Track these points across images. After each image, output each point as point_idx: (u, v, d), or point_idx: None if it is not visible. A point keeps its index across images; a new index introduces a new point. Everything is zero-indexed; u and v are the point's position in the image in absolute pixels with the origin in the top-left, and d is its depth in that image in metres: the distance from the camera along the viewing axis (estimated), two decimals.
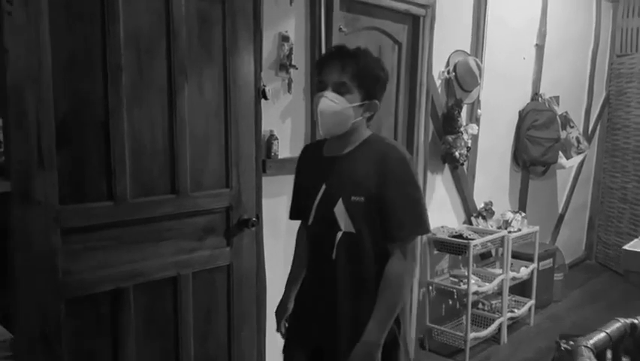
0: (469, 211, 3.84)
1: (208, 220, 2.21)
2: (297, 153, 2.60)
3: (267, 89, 2.37)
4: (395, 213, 1.58)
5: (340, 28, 2.68)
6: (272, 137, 2.45)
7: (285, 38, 2.47)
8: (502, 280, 3.57)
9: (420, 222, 1.61)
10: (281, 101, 2.50)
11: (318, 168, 1.70)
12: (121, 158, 1.90)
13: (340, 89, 1.57)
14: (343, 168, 1.62)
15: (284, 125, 2.54)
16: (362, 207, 1.57)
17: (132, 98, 1.92)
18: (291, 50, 2.48)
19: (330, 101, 1.57)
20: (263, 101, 2.35)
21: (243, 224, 2.29)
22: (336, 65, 1.57)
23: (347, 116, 1.58)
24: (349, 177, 1.60)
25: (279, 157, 2.49)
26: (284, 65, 2.47)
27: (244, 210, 2.30)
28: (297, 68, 2.51)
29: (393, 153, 1.60)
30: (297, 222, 1.88)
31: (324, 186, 1.64)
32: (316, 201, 1.65)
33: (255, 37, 2.28)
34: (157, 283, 2.06)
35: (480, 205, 3.88)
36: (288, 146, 2.56)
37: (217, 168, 2.22)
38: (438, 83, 3.43)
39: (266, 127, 2.41)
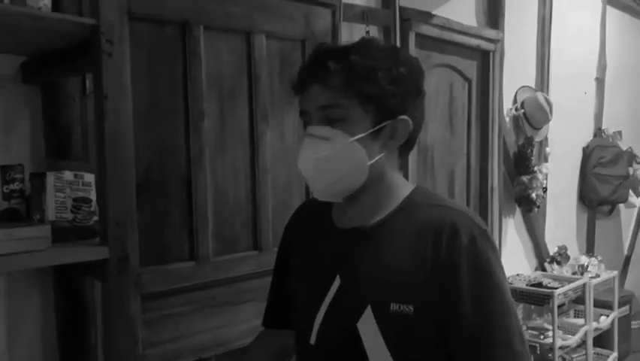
0: (542, 257, 3.58)
1: None
2: None
3: None
4: (474, 350, 0.86)
5: None
6: None
7: None
8: (586, 331, 3.27)
9: None
10: None
11: (326, 248, 0.98)
12: (203, 212, 1.72)
13: (330, 116, 0.88)
14: (372, 251, 0.91)
15: None
16: (410, 322, 0.86)
17: (214, 146, 1.75)
18: None
19: (316, 142, 0.89)
20: None
21: None
22: (314, 77, 0.89)
23: (353, 161, 0.88)
24: (386, 270, 0.89)
25: None
26: None
27: None
28: None
29: (464, 225, 0.88)
30: None
31: (337, 282, 0.92)
32: (323, 308, 0.93)
33: None
34: (238, 352, 1.85)
35: (553, 250, 3.61)
36: None
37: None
38: (506, 120, 3.23)
39: None
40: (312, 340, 0.94)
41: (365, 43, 0.93)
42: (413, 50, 2.47)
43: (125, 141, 1.21)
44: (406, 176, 2.46)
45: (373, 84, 0.87)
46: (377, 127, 0.88)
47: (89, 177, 1.23)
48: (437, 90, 2.75)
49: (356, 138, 0.87)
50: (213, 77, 1.74)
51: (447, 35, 2.68)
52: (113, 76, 1.13)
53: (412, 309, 0.85)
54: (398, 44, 2.40)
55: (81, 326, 1.48)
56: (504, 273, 0.90)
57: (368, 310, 0.87)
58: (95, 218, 1.21)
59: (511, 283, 3.17)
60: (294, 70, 2.00)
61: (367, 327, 0.87)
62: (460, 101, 2.90)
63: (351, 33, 2.24)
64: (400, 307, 0.85)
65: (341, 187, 0.92)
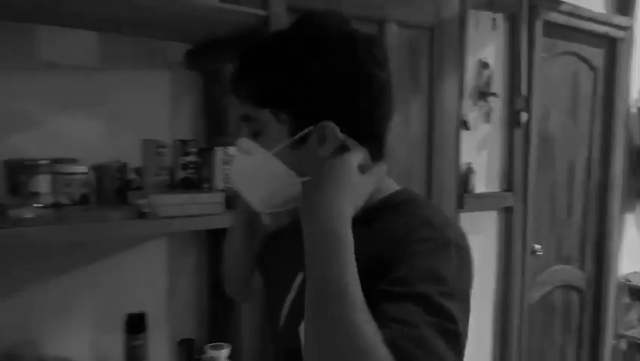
0: None
1: None
2: (494, 188, 2.46)
3: (469, 118, 2.23)
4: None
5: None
6: (469, 170, 2.29)
7: (484, 65, 2.32)
8: None
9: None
10: (478, 131, 2.34)
11: (288, 243, 0.88)
12: None
13: (251, 129, 0.80)
14: None
15: (480, 157, 2.37)
16: None
17: None
18: (489, 77, 2.33)
19: (240, 157, 0.82)
20: (462, 131, 2.21)
21: None
22: (231, 88, 0.81)
23: (278, 175, 0.79)
24: None
25: (475, 192, 2.32)
26: (483, 93, 2.32)
27: None
28: (497, 96, 2.34)
29: (428, 231, 0.73)
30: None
31: (301, 275, 0.84)
32: (287, 303, 0.86)
33: (459, 65, 2.16)
34: None
35: None
36: (484, 180, 2.38)
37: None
38: (633, 111, 3.08)
39: (463, 159, 2.26)
40: (281, 322, 0.88)
41: (281, 38, 0.79)
42: (539, 37, 2.43)
43: None
44: (524, 164, 2.45)
45: (279, 92, 0.76)
46: (295, 137, 0.76)
47: None
48: (561, 78, 2.69)
49: (274, 151, 0.77)
50: None
51: (574, 22, 2.60)
52: None
53: None
54: (525, 32, 2.38)
55: None
56: (463, 285, 0.71)
57: None
58: None
59: (629, 281, 3.06)
60: (422, 58, 2.08)
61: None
62: (585, 91, 2.81)
63: (477, 21, 2.26)
64: None
65: (281, 199, 0.81)
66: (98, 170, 1.28)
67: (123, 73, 1.52)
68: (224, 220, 1.23)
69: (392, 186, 0.84)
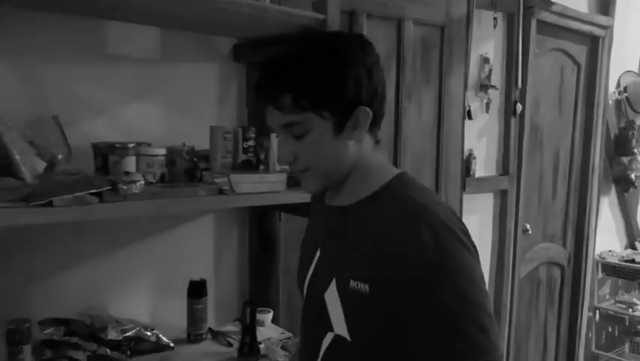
0: (633, 236, 3.71)
1: None
2: (491, 172, 2.69)
3: (471, 108, 2.44)
4: (430, 341, 0.83)
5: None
6: (471, 155, 2.52)
7: (485, 60, 2.53)
8: None
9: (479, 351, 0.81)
10: (478, 120, 2.57)
11: (318, 222, 1.06)
12: None
13: (293, 133, 0.91)
14: (345, 229, 0.95)
15: (479, 144, 2.60)
16: (365, 300, 0.86)
17: None
18: (490, 70, 2.55)
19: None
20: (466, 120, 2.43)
21: None
22: (267, 100, 0.90)
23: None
24: (351, 248, 0.92)
25: (476, 175, 2.55)
26: (484, 86, 2.54)
27: None
28: (497, 89, 2.57)
29: (428, 220, 0.85)
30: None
31: (318, 253, 0.98)
32: (308, 275, 1.00)
33: (464, 60, 2.37)
34: None
35: None
36: (482, 165, 2.61)
37: (429, 186, 2.31)
38: (609, 103, 3.37)
39: (466, 146, 2.48)
40: (302, 301, 1.02)
41: (303, 49, 0.89)
42: (533, 35, 2.66)
43: None
44: (518, 150, 2.68)
45: (319, 94, 0.87)
46: (339, 126, 0.89)
47: None
48: (550, 73, 2.93)
49: (323, 145, 0.90)
50: None
51: (562, 22, 2.85)
52: None
53: (368, 289, 0.85)
54: (520, 30, 2.60)
55: (267, 256, 1.85)
56: (470, 270, 0.84)
57: (333, 283, 0.90)
58: None
59: (603, 259, 3.36)
60: (433, 53, 2.27)
61: (332, 299, 0.90)
62: (569, 84, 3.07)
63: (480, 19, 2.47)
64: (357, 285, 0.86)
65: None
66: (171, 152, 1.44)
67: (179, 65, 1.67)
68: (287, 197, 1.41)
69: (392, 170, 0.95)
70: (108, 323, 1.45)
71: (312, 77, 0.86)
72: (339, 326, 0.90)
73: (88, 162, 1.39)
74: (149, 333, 1.48)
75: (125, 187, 1.18)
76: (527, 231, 2.87)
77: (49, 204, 1.09)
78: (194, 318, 1.59)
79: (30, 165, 1.19)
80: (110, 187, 1.17)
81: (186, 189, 1.30)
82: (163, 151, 1.40)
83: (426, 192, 0.92)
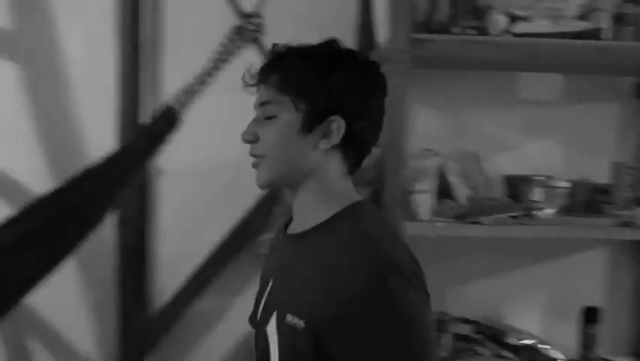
0: None
1: None
2: None
3: None
4: None
5: None
6: None
7: None
8: None
9: None
10: None
11: (276, 251, 1.01)
12: None
13: (265, 113, 0.90)
14: (293, 259, 0.91)
15: None
16: (299, 338, 0.81)
17: None
18: None
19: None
20: None
21: None
22: (261, 79, 0.91)
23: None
24: (293, 281, 0.88)
25: None
26: None
27: None
28: None
29: (376, 262, 0.79)
30: None
31: (270, 284, 0.95)
32: (261, 304, 0.96)
33: None
34: None
35: None
36: None
37: None
38: None
39: None
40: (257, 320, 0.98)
41: (319, 46, 0.90)
42: None
43: None
44: None
45: (304, 83, 0.86)
46: (309, 125, 0.86)
47: None
48: None
49: (286, 135, 0.87)
50: None
51: None
52: None
53: (303, 325, 0.80)
54: None
55: None
56: (413, 318, 0.78)
57: (274, 317, 0.88)
58: None
59: None
60: None
61: (271, 332, 0.88)
62: None
63: None
64: (292, 320, 0.82)
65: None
66: (575, 185, 1.59)
67: (580, 105, 1.82)
68: None
69: (353, 197, 0.91)
70: (507, 330, 1.68)
71: (306, 67, 0.87)
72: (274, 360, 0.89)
73: (498, 190, 1.68)
74: (545, 347, 1.64)
75: (537, 213, 1.40)
76: None
77: (478, 222, 1.40)
78: (588, 343, 1.68)
79: (461, 190, 1.54)
80: (524, 212, 1.41)
81: (590, 219, 1.44)
82: (566, 184, 1.57)
83: (384, 225, 0.89)
